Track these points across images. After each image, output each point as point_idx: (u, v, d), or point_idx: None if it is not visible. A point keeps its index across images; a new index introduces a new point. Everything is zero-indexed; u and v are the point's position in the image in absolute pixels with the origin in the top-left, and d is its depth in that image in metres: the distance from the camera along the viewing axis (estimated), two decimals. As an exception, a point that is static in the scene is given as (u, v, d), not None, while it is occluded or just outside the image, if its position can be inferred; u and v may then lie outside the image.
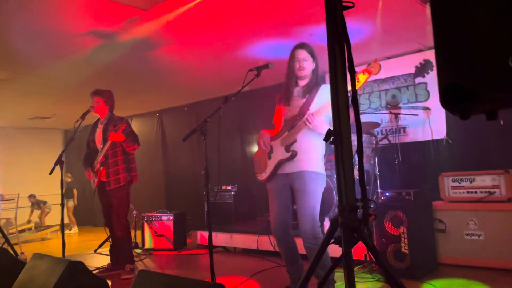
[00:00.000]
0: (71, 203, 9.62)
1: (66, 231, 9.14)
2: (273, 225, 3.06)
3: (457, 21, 1.09)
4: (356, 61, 1.55)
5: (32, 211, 9.46)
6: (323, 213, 3.10)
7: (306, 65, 2.98)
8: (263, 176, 3.10)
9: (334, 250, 3.05)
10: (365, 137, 5.01)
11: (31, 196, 9.43)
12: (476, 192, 3.95)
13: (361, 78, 2.71)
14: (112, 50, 4.82)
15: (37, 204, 9.46)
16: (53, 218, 9.60)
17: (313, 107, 2.92)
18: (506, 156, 4.56)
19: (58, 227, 8.55)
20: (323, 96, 2.94)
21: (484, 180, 3.92)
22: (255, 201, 6.56)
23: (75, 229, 9.56)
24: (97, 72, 5.65)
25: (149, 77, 6.11)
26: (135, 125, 8.61)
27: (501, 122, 4.52)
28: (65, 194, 9.64)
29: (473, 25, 1.06)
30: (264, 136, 3.09)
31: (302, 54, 2.98)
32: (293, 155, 2.91)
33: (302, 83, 3.05)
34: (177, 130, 8.32)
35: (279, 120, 3.17)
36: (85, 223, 10.14)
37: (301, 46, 3.02)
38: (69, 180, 9.71)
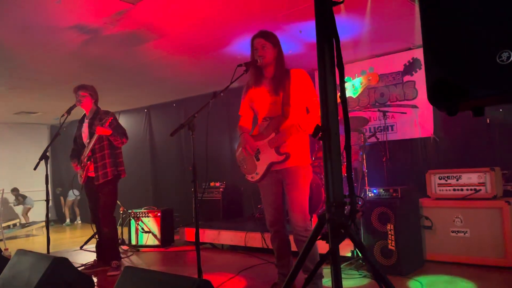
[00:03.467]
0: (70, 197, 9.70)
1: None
2: (271, 218, 3.06)
3: (445, 18, 1.09)
4: (345, 58, 1.54)
5: (14, 205, 9.43)
6: (310, 211, 3.09)
7: (266, 52, 2.90)
8: (254, 178, 3.05)
9: (322, 246, 3.07)
10: (353, 134, 5.03)
11: (14, 190, 9.36)
12: (462, 190, 3.99)
13: (361, 86, 2.75)
14: (100, 44, 4.76)
15: (19, 197, 9.42)
16: (39, 214, 9.49)
17: (293, 100, 2.91)
18: (492, 154, 4.62)
19: (43, 223, 8.46)
20: (298, 84, 2.92)
21: (470, 177, 3.96)
22: (243, 198, 6.55)
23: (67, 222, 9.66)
24: (84, 66, 5.58)
25: (137, 72, 6.06)
26: (123, 121, 8.54)
27: (487, 121, 4.58)
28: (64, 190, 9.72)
29: (461, 22, 1.06)
30: (249, 140, 3.01)
31: (260, 42, 2.91)
32: (287, 157, 2.88)
33: (269, 73, 2.99)
34: (165, 126, 8.27)
35: (250, 113, 3.15)
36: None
37: (258, 34, 2.95)
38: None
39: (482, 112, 1.11)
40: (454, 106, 1.03)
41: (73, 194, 9.61)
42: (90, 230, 5.36)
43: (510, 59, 0.95)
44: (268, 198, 3.06)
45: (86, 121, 4.52)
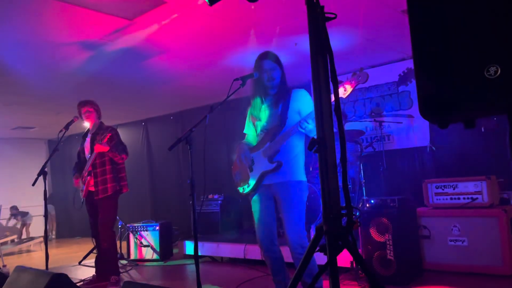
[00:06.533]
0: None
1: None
2: (259, 236, 3.00)
3: (434, 33, 1.12)
4: (340, 70, 1.57)
5: (9, 220, 9.39)
6: (309, 221, 3.08)
7: (275, 74, 2.95)
8: (245, 190, 3.03)
9: (320, 258, 3.06)
10: (350, 145, 5.06)
11: (13, 208, 9.31)
12: (459, 199, 4.01)
13: (348, 88, 2.72)
14: (97, 59, 4.79)
15: (18, 215, 9.35)
16: (36, 229, 9.46)
17: (291, 113, 2.93)
18: (488, 163, 4.65)
19: (41, 239, 8.42)
20: (298, 101, 2.95)
21: (467, 186, 3.98)
22: (242, 210, 6.54)
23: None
24: (81, 81, 5.61)
25: (134, 86, 6.09)
26: (121, 134, 8.52)
27: (482, 130, 4.61)
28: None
29: (450, 36, 1.09)
30: (245, 150, 3.03)
31: (269, 64, 2.95)
32: (279, 165, 2.86)
33: (272, 92, 3.03)
34: (163, 139, 8.29)
35: (253, 131, 3.16)
36: (66, 235, 10.04)
37: (266, 56, 2.98)
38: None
39: (473, 124, 1.14)
40: (444, 119, 1.06)
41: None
42: (88, 245, 5.34)
43: (498, 73, 0.98)
44: (258, 214, 3.00)
45: (89, 136, 4.55)
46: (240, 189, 3.08)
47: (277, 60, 2.98)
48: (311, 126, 2.76)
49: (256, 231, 3.04)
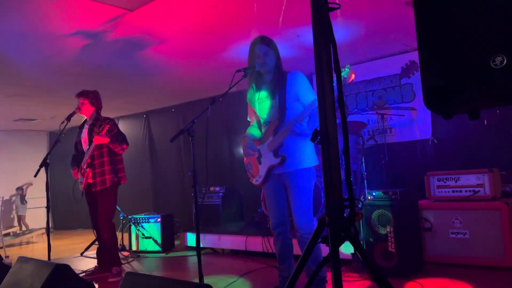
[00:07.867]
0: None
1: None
2: (273, 218, 3.08)
3: (440, 23, 1.11)
4: (342, 62, 1.56)
5: (13, 202, 9.45)
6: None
7: (268, 60, 2.93)
8: (257, 181, 3.11)
9: (323, 249, 3.07)
10: (352, 138, 5.05)
11: (19, 189, 9.39)
12: (461, 191, 4.00)
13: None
14: (98, 51, 4.78)
15: (18, 196, 9.44)
16: (37, 221, 9.49)
17: (289, 102, 2.93)
18: (490, 156, 4.64)
19: (43, 230, 8.46)
20: (294, 86, 2.94)
21: (469, 179, 3.98)
22: (243, 203, 6.55)
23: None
24: (83, 73, 5.60)
25: (136, 78, 6.08)
26: (122, 127, 8.53)
27: (485, 122, 4.60)
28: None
29: (455, 27, 1.08)
30: (249, 143, 3.07)
31: (262, 49, 2.93)
32: (283, 160, 2.91)
33: (268, 78, 3.03)
34: (165, 131, 8.28)
35: (255, 118, 3.20)
36: (67, 227, 10.08)
37: (260, 41, 2.96)
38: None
39: (478, 115, 1.13)
40: (449, 109, 1.05)
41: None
42: (90, 236, 5.36)
43: (504, 63, 0.97)
44: (271, 201, 3.09)
45: (86, 127, 4.54)
46: (253, 180, 3.16)
47: (270, 44, 2.96)
48: (298, 130, 2.80)
49: (270, 216, 3.13)
